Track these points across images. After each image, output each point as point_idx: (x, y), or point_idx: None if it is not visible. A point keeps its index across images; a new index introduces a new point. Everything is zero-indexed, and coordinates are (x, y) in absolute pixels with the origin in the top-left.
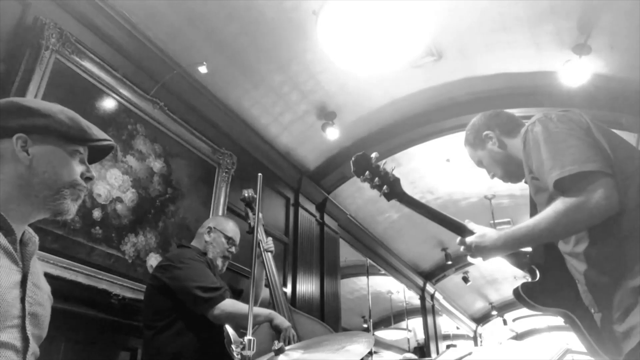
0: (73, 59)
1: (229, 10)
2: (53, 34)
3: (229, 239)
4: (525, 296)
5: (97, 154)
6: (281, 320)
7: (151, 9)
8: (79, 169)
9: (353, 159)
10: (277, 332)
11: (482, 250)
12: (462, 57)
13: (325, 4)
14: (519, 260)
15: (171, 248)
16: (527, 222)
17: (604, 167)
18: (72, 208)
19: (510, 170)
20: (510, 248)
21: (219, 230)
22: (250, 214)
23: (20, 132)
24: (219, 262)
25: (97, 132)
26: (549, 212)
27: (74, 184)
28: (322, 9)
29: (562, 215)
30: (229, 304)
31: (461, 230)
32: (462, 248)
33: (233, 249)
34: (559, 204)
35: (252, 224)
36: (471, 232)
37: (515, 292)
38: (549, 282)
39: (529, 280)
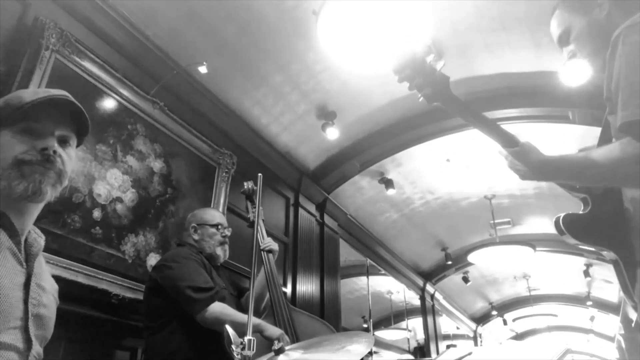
0: (73, 59)
1: (229, 10)
2: (53, 34)
3: (217, 225)
4: (565, 228)
5: (73, 120)
6: (272, 331)
7: (151, 8)
8: (33, 144)
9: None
10: (270, 342)
11: (521, 165)
12: (462, 57)
13: (325, 4)
14: (570, 185)
15: (171, 248)
16: (579, 155)
17: None
18: (19, 188)
19: (599, 49)
20: (552, 176)
21: (203, 223)
22: (250, 207)
23: None
24: (219, 251)
25: (31, 95)
26: (605, 152)
27: (17, 162)
28: (322, 8)
29: (616, 164)
30: (218, 309)
31: (511, 142)
32: (503, 157)
33: (226, 232)
34: (616, 150)
35: (251, 217)
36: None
37: (556, 221)
38: (598, 218)
39: (575, 212)
